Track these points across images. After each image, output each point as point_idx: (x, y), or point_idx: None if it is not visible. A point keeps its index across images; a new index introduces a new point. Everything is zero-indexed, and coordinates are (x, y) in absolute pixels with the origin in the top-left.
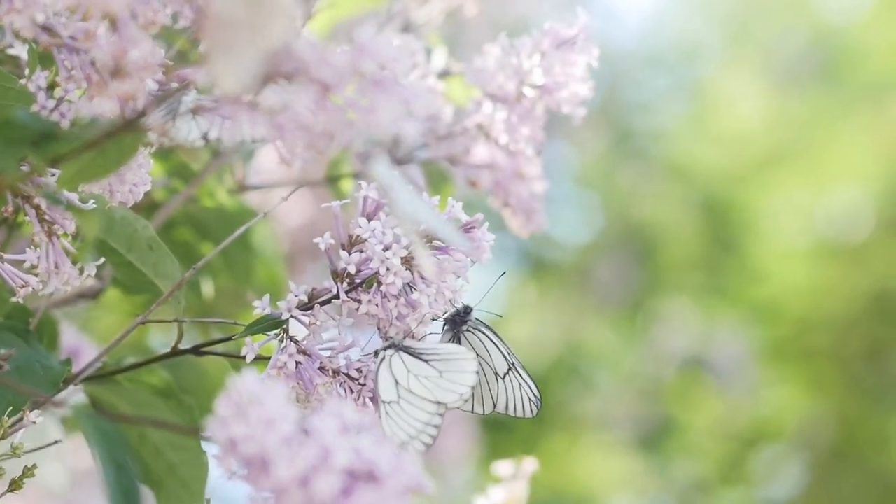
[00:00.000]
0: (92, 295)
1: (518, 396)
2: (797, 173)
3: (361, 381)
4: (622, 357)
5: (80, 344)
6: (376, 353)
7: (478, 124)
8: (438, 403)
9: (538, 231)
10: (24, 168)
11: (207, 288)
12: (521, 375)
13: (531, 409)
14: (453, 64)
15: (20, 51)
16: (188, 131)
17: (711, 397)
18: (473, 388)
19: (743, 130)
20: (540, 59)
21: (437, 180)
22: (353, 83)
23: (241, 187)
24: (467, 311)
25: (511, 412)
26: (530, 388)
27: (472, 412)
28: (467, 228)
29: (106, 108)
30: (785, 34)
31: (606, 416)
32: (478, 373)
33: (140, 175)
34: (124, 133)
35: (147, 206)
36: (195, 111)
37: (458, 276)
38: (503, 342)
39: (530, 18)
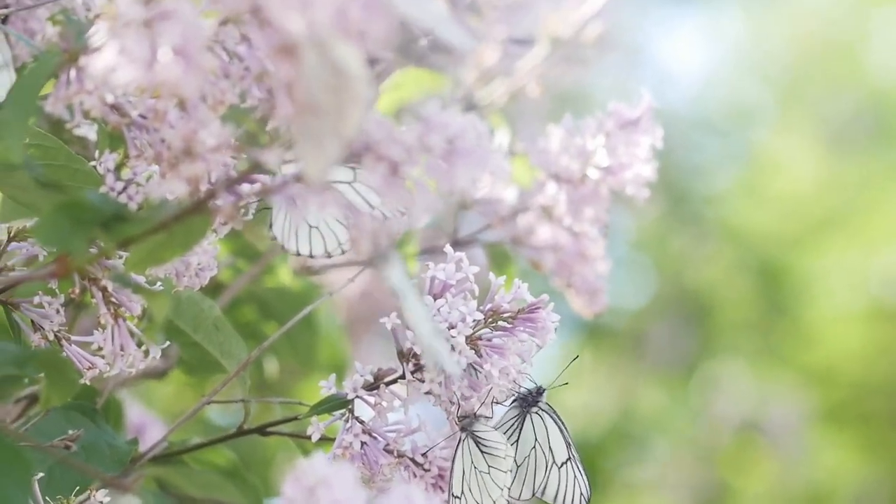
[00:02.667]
0: (158, 374)
1: (570, 489)
2: (850, 236)
3: (426, 466)
4: (677, 422)
5: (144, 420)
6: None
7: (541, 205)
8: None
9: (601, 311)
10: (93, 250)
11: (271, 366)
12: (577, 468)
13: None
14: (516, 144)
15: (88, 131)
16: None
17: (767, 462)
18: (504, 488)
19: (796, 193)
20: (604, 140)
21: (500, 261)
22: (422, 159)
23: (305, 268)
24: (540, 392)
25: (558, 503)
26: (583, 483)
27: (509, 496)
28: (533, 309)
29: (175, 189)
30: (837, 96)
31: (662, 481)
32: (511, 471)
33: (206, 260)
34: (193, 215)
35: (212, 287)
36: (265, 193)
37: (523, 360)
38: (567, 431)
39: (587, 88)
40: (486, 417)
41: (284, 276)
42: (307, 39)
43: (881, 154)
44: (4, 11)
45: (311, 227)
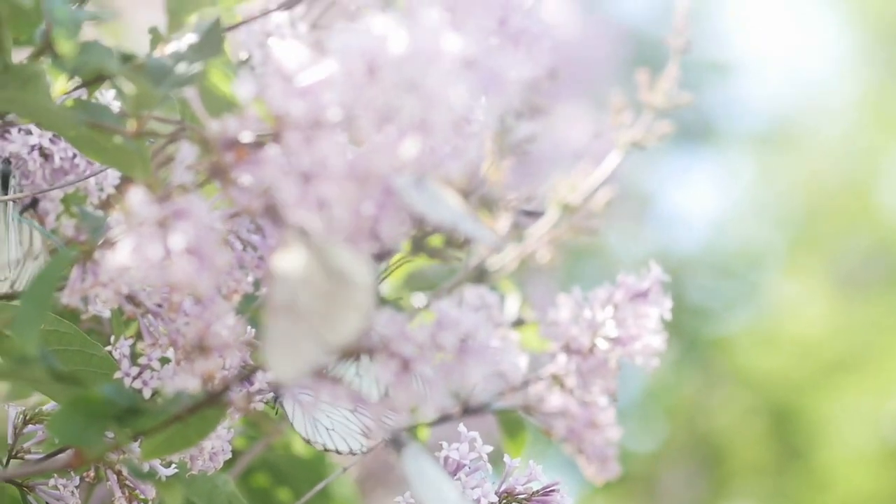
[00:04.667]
0: None
1: None
2: (862, 379)
3: None
4: None
5: None
6: None
7: (552, 374)
8: None
9: (612, 478)
10: (108, 437)
11: None
12: None
13: None
14: (527, 311)
15: (102, 309)
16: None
17: None
18: None
19: (807, 336)
20: (613, 312)
21: (511, 427)
22: (435, 356)
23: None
24: None
25: None
26: None
27: None
28: (547, 492)
29: (189, 384)
30: (849, 238)
31: None
32: None
33: (220, 444)
34: (207, 407)
35: None
36: (275, 387)
37: None
38: None
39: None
40: None
41: (297, 443)
42: (299, 242)
43: (892, 297)
44: (20, 196)
45: (327, 429)
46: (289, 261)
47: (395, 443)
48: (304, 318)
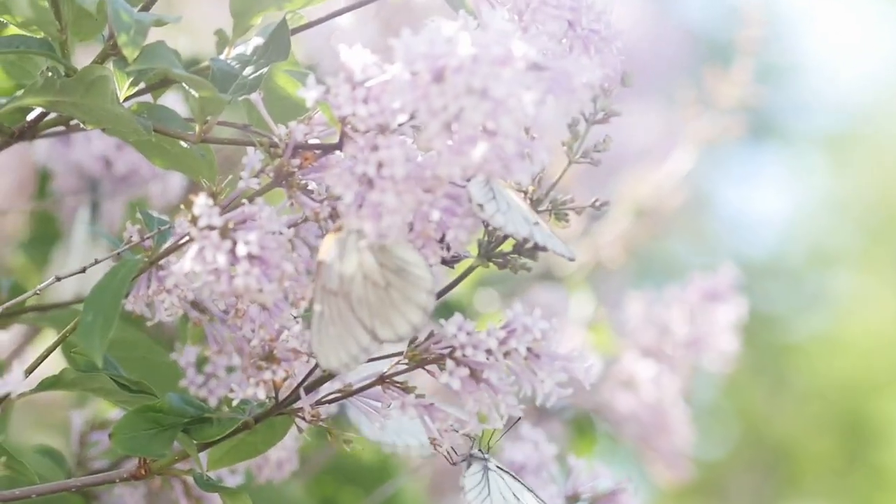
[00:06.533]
0: None
1: None
2: None
3: None
4: None
5: None
6: None
7: (623, 376)
8: None
9: (683, 479)
10: (176, 446)
11: None
12: None
13: None
14: (599, 310)
15: (166, 317)
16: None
17: None
18: None
19: (878, 337)
20: (686, 312)
21: (580, 430)
22: (506, 362)
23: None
24: None
25: None
26: None
27: None
28: (614, 494)
29: (257, 394)
30: None
31: None
32: None
33: (286, 454)
34: (274, 417)
35: None
36: (343, 395)
37: None
38: None
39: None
40: None
41: (366, 453)
42: (353, 235)
43: None
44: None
45: (394, 430)
46: (340, 251)
47: (466, 458)
48: (356, 309)
